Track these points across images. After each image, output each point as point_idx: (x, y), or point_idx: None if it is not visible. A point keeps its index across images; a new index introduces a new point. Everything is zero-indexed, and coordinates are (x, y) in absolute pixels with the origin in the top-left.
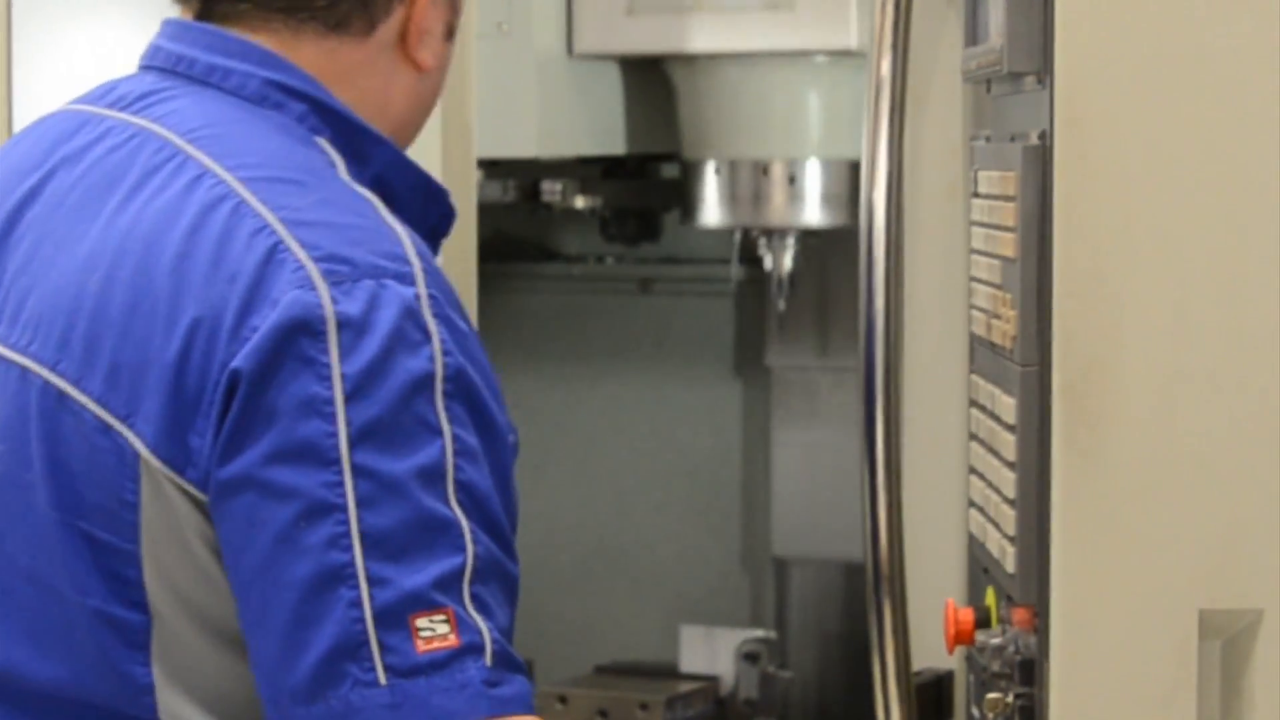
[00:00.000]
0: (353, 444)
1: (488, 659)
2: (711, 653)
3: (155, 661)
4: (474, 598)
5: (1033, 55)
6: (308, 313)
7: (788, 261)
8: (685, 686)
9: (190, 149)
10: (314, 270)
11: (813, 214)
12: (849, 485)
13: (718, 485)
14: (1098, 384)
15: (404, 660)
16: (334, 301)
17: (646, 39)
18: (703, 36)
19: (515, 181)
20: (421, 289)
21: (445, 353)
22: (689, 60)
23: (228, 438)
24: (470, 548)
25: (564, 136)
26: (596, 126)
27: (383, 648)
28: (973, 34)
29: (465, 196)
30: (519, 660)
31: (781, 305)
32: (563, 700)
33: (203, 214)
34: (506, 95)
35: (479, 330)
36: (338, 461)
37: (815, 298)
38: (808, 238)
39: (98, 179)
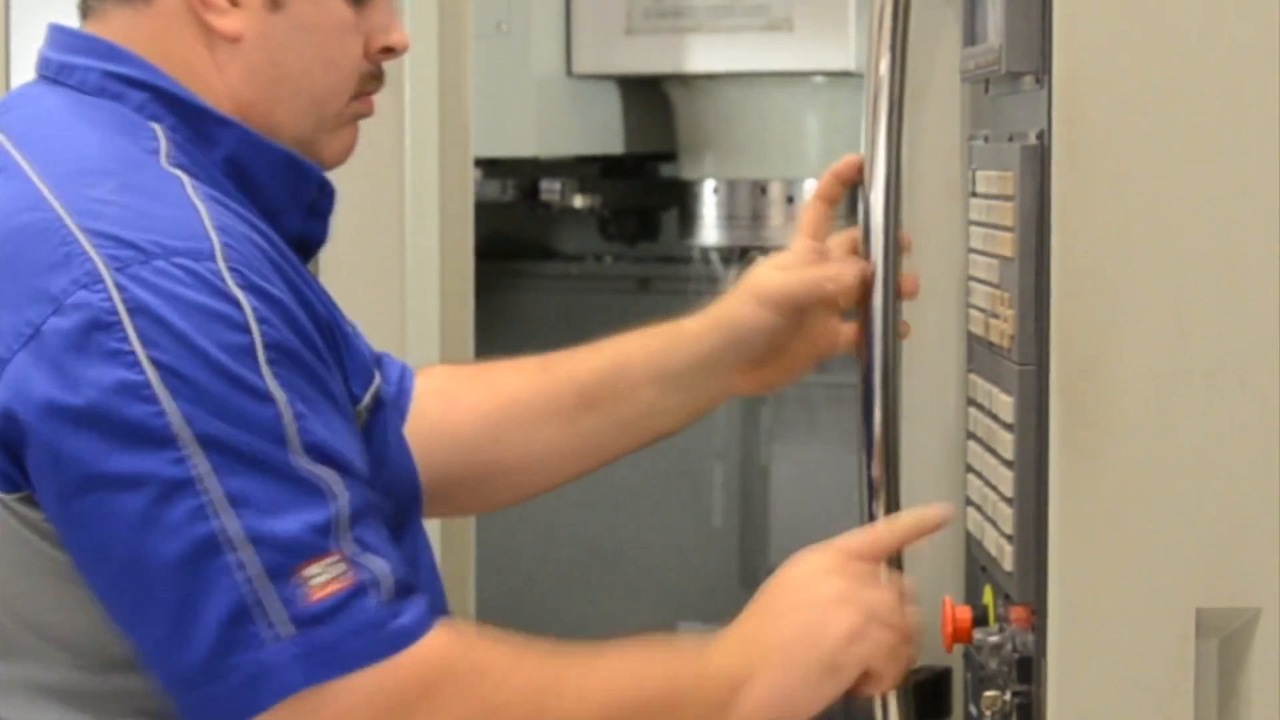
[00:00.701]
0: (185, 419)
1: (384, 593)
2: None
3: (2, 662)
4: (355, 540)
5: (1031, 55)
6: (95, 310)
7: None
8: None
9: (15, 152)
10: (100, 263)
11: None
12: (848, 500)
13: (715, 485)
14: (1096, 383)
15: (302, 610)
16: (121, 289)
17: (645, 59)
18: (701, 57)
19: (514, 181)
20: (222, 262)
21: (260, 320)
22: (687, 80)
23: (47, 446)
24: (338, 497)
25: (562, 136)
26: (594, 125)
27: (276, 602)
28: (971, 34)
29: (463, 195)
30: (413, 584)
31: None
32: None
33: (7, 217)
34: (505, 94)
35: (477, 329)
36: (175, 438)
37: None
38: None
39: None
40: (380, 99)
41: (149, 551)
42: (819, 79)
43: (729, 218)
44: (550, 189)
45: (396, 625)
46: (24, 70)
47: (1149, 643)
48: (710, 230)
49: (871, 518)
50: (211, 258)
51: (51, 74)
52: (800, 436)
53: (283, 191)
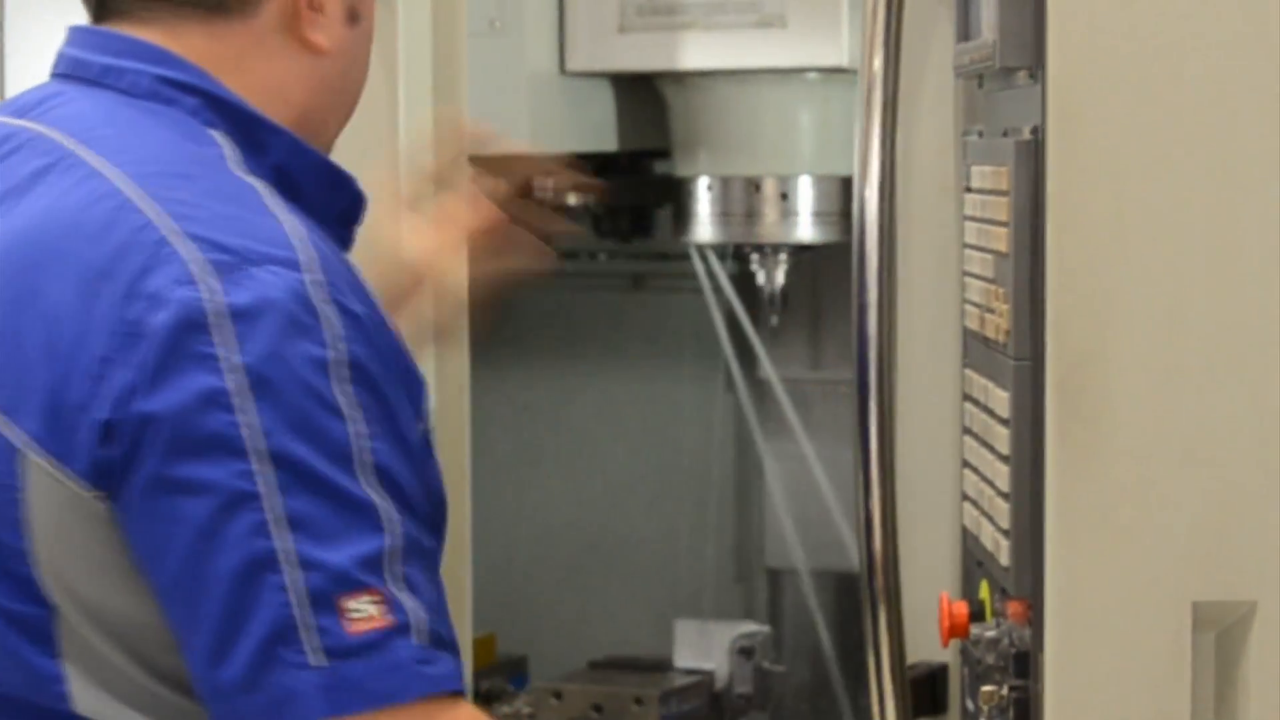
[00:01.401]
0: (260, 432)
1: (416, 637)
2: (706, 647)
3: (63, 654)
4: (399, 577)
5: (1025, 50)
6: (194, 309)
7: (780, 277)
8: (680, 681)
9: (80, 149)
10: (198, 264)
11: (805, 230)
12: (844, 496)
13: (711, 480)
14: (1091, 377)
15: (337, 642)
16: (220, 293)
17: (638, 57)
18: (694, 54)
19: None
20: (310, 275)
21: (341, 338)
22: (681, 77)
23: (131, 443)
24: (390, 528)
25: (556, 133)
26: (588, 123)
27: (314, 631)
28: (965, 29)
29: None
30: (448, 637)
31: (774, 321)
32: (557, 695)
33: (84, 211)
34: (498, 91)
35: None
36: (246, 451)
37: (808, 311)
38: (800, 252)
39: None
40: (374, 96)
41: (205, 560)
42: (813, 75)
43: (723, 214)
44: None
45: (428, 671)
46: (16, 65)
47: (1146, 636)
48: (704, 227)
49: (867, 514)
50: (300, 268)
51: (93, 76)
52: (795, 433)
53: (323, 200)
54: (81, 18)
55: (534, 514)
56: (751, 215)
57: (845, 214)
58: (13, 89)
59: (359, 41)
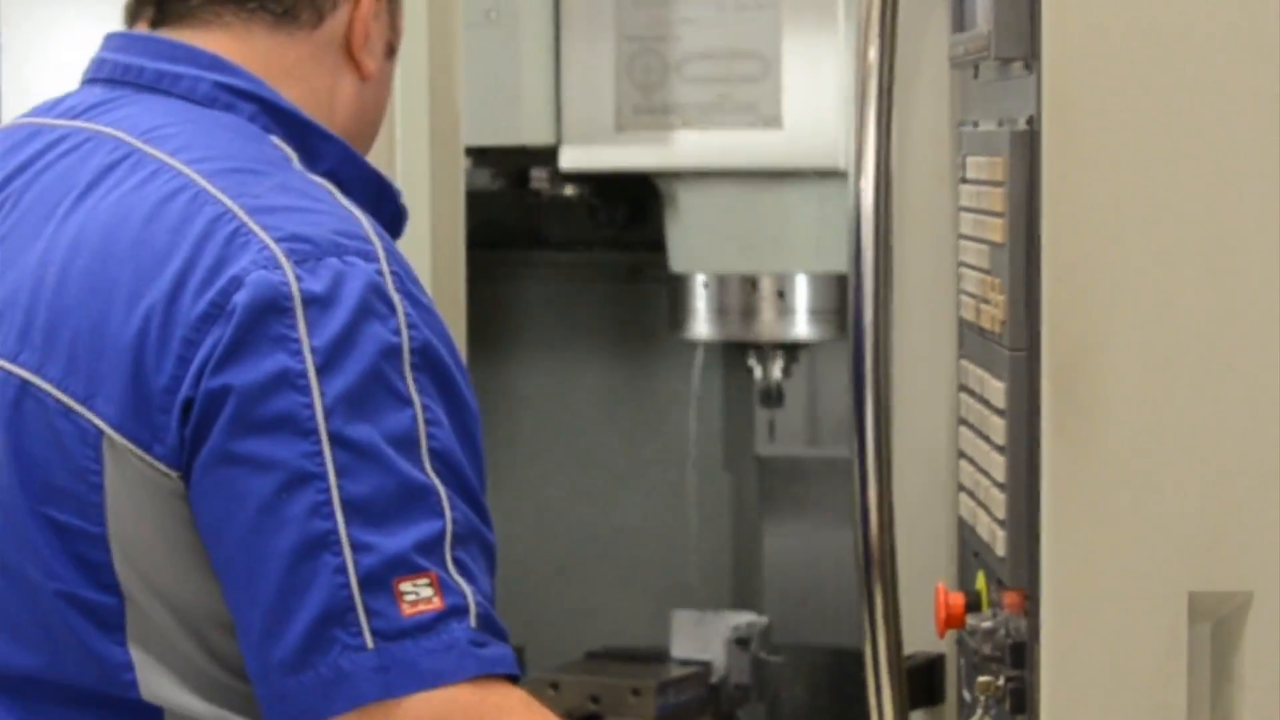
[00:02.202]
0: (328, 413)
1: (472, 621)
2: (703, 638)
3: (132, 641)
4: (456, 561)
5: (1020, 40)
6: (274, 291)
7: (776, 373)
8: (677, 672)
9: (146, 147)
10: (277, 250)
11: (802, 328)
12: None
13: (707, 470)
14: (1087, 368)
15: (390, 624)
16: (299, 279)
17: (635, 156)
18: (691, 154)
19: (503, 169)
20: (384, 265)
21: (410, 325)
22: (677, 175)
23: (201, 416)
24: (449, 513)
25: (552, 124)
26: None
27: (368, 612)
28: (960, 20)
29: (454, 185)
30: (502, 627)
31: (770, 419)
32: (555, 686)
33: (161, 204)
34: (494, 82)
35: (468, 318)
36: (315, 431)
37: (805, 397)
38: (797, 348)
39: (52, 181)
40: None
41: (264, 537)
42: (808, 175)
43: (720, 311)
44: (540, 177)
45: (481, 653)
46: (12, 63)
47: (1142, 627)
48: (701, 324)
49: (864, 506)
50: (377, 259)
51: (147, 82)
52: (793, 512)
53: (370, 210)
54: (81, 15)
55: (531, 505)
56: (748, 313)
57: (842, 311)
58: (9, 89)
59: (387, 80)
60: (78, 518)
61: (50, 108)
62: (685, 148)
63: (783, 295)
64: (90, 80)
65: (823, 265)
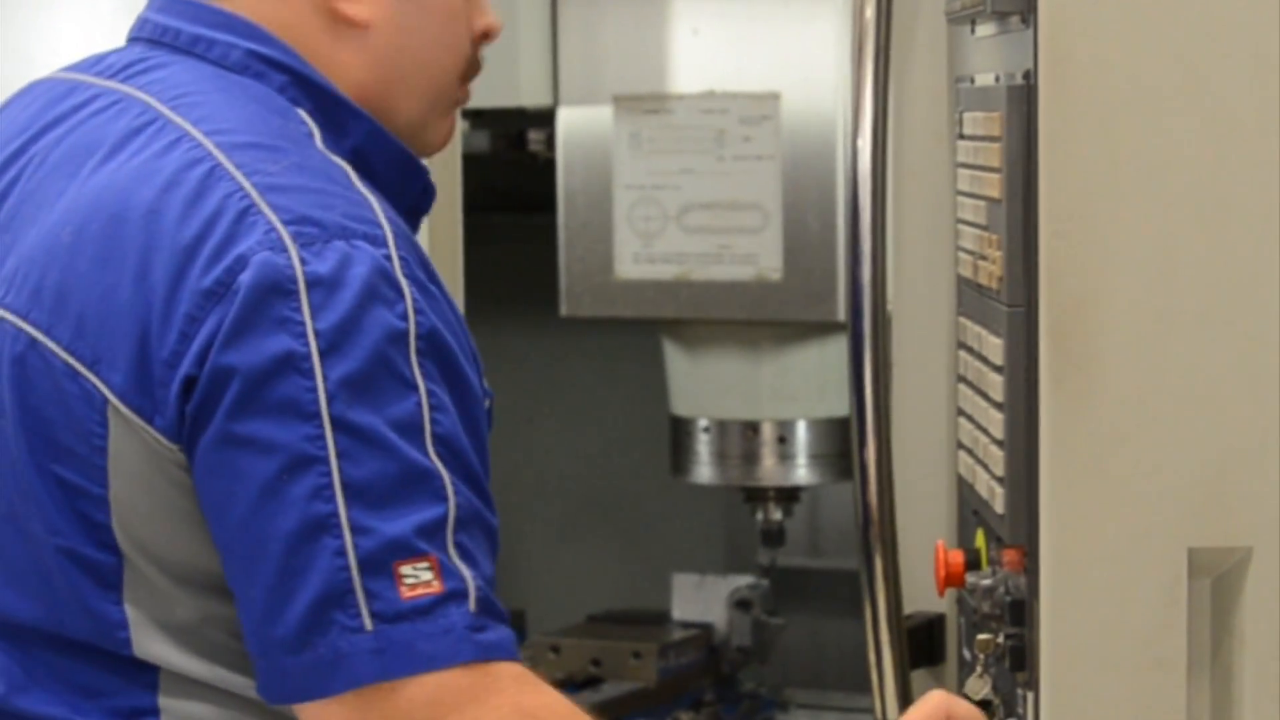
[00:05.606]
0: (331, 397)
1: (471, 605)
2: (704, 600)
3: (128, 601)
4: (457, 545)
5: None
6: (278, 273)
7: (777, 516)
8: (678, 634)
9: (171, 114)
10: (284, 232)
11: (802, 473)
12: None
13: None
14: (1084, 323)
15: (389, 606)
16: (304, 262)
17: (637, 304)
18: (692, 304)
19: (500, 131)
20: (393, 250)
21: (418, 311)
22: (679, 322)
23: (205, 396)
24: (451, 497)
25: (547, 85)
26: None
27: (368, 595)
28: None
29: (450, 148)
30: (502, 610)
31: (770, 559)
32: (556, 650)
33: (178, 174)
34: (492, 44)
35: (465, 280)
36: (318, 415)
37: (805, 524)
38: (797, 491)
39: (79, 140)
40: None
41: (265, 519)
42: (807, 328)
43: (720, 455)
44: (537, 140)
45: (479, 637)
46: (8, 52)
47: (1141, 583)
48: (703, 468)
49: (863, 465)
50: (385, 244)
51: (183, 44)
52: (798, 611)
53: (396, 187)
54: (79, 9)
55: (532, 469)
56: (749, 458)
57: (843, 455)
58: (4, 77)
59: (415, 13)
60: (81, 477)
61: (93, 64)
62: (686, 299)
63: (784, 440)
64: (133, 39)
65: (824, 410)
